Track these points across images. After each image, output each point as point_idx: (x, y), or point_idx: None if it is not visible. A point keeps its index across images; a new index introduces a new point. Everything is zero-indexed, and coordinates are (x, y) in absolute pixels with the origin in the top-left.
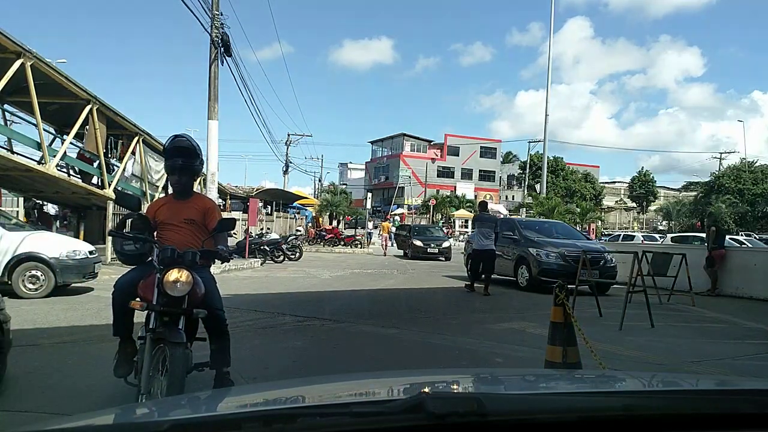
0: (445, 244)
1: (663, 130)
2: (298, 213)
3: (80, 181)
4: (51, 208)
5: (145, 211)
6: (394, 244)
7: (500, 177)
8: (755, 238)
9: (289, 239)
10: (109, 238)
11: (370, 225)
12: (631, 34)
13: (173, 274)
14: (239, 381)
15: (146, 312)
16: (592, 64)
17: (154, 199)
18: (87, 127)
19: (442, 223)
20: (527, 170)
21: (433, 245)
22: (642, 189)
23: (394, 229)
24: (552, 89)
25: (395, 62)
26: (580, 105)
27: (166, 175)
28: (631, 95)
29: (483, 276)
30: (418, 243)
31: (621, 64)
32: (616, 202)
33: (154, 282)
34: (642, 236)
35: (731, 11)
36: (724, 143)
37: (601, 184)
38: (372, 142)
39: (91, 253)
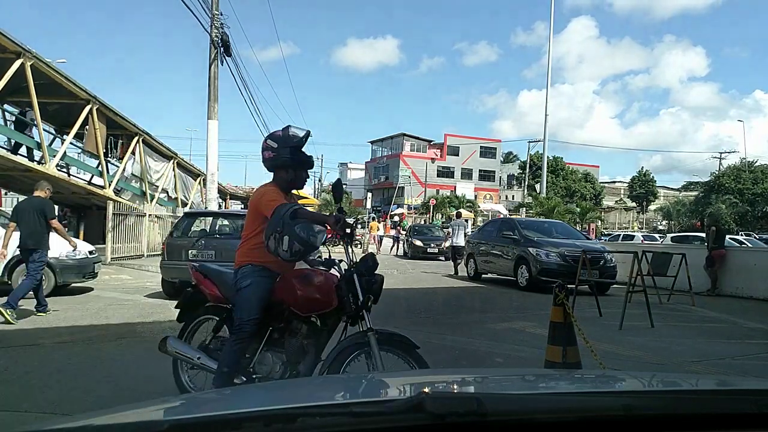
0: (446, 244)
1: (666, 129)
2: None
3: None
4: None
5: (278, 192)
6: (399, 245)
7: (500, 177)
8: (755, 238)
9: None
10: (109, 238)
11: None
12: (636, 34)
13: (382, 284)
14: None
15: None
16: (596, 63)
17: (270, 186)
18: (87, 127)
19: (442, 222)
20: (527, 170)
21: (433, 245)
22: (642, 189)
23: (381, 231)
24: (555, 89)
25: (400, 62)
26: (584, 105)
27: (165, 175)
28: (635, 95)
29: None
30: (418, 243)
31: (625, 64)
32: (616, 201)
33: (354, 281)
34: (642, 236)
35: (736, 11)
36: (726, 143)
37: (601, 184)
38: (372, 142)
39: (91, 253)
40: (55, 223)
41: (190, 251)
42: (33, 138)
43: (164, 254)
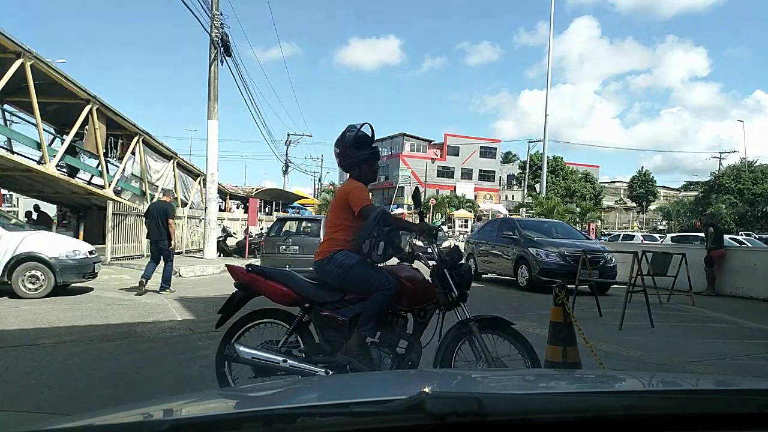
0: (446, 244)
1: (667, 129)
2: (298, 213)
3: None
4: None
5: (366, 191)
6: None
7: (500, 177)
8: (755, 238)
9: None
10: (109, 238)
11: None
12: (638, 34)
13: (471, 271)
14: None
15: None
16: (598, 63)
17: (355, 183)
18: (87, 127)
19: (442, 222)
20: (527, 170)
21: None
22: (642, 189)
23: None
24: (557, 89)
25: (401, 62)
26: (585, 105)
27: (165, 175)
28: (636, 95)
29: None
30: (419, 243)
31: (626, 64)
32: (616, 201)
33: (446, 276)
34: (642, 236)
35: (738, 11)
36: (727, 143)
37: (601, 184)
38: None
39: (90, 253)
40: (171, 222)
41: (280, 246)
42: (87, 164)
43: (263, 249)
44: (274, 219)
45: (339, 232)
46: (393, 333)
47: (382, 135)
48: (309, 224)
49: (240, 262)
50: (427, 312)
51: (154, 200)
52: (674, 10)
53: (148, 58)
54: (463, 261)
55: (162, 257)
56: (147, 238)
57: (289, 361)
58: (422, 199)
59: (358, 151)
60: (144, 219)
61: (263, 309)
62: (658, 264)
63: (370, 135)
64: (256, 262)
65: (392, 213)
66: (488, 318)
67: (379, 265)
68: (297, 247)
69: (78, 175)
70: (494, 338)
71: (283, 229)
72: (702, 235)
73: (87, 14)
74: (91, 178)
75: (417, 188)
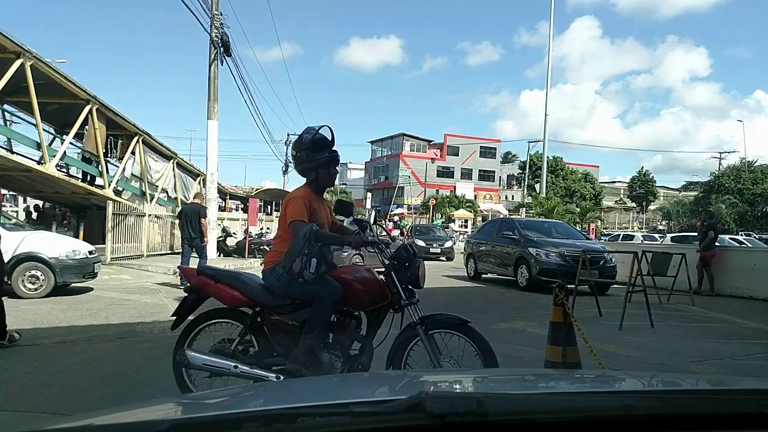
0: (448, 244)
1: (667, 129)
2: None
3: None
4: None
5: (305, 204)
6: None
7: (500, 177)
8: (755, 238)
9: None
10: (109, 238)
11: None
12: (639, 34)
13: (423, 268)
14: None
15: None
16: (599, 63)
17: (301, 192)
18: (87, 127)
19: (442, 222)
20: (527, 170)
21: (435, 245)
22: (642, 189)
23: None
24: (557, 89)
25: (402, 62)
26: (585, 105)
27: (165, 175)
28: (637, 95)
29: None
30: (421, 243)
31: (627, 64)
32: (616, 202)
33: (394, 281)
34: (642, 236)
35: (739, 11)
36: (728, 143)
37: (601, 184)
38: (372, 142)
39: (90, 253)
40: (203, 221)
41: None
42: (96, 168)
43: None
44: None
45: (282, 243)
46: (346, 335)
47: (382, 135)
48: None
49: (240, 262)
50: (380, 313)
51: (188, 203)
52: (675, 10)
53: (148, 58)
54: (414, 259)
55: (197, 253)
56: (181, 236)
57: (240, 366)
58: (352, 208)
59: (316, 155)
60: (177, 220)
61: (217, 309)
62: (658, 264)
63: (329, 138)
64: (257, 262)
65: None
66: (441, 317)
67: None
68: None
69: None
70: (447, 337)
71: None
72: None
73: (87, 14)
74: (94, 179)
75: (339, 200)
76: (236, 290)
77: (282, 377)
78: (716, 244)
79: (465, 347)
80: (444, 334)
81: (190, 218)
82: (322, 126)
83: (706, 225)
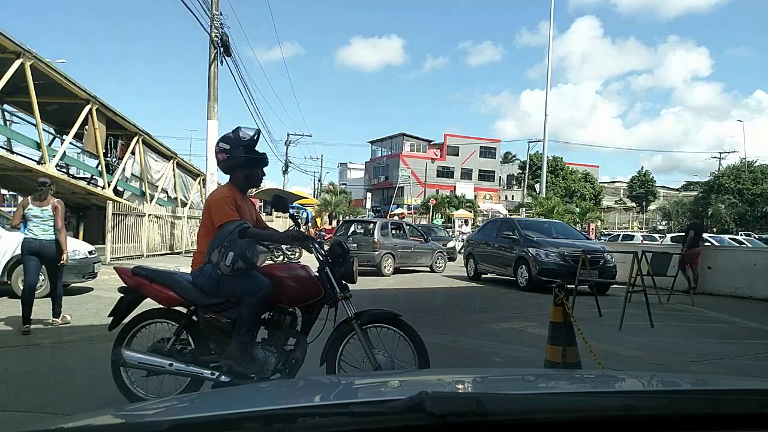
0: (449, 245)
1: (668, 129)
2: (298, 213)
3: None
4: None
5: (230, 204)
6: None
7: (500, 177)
8: (755, 238)
9: None
10: (109, 238)
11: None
12: (640, 34)
13: (356, 264)
14: None
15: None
16: (599, 63)
17: (224, 192)
18: (87, 127)
19: (442, 222)
20: (527, 170)
21: None
22: (642, 189)
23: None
24: (558, 89)
25: (404, 62)
26: (586, 105)
27: (165, 175)
28: (638, 95)
29: None
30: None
31: (628, 64)
32: (616, 202)
33: (328, 276)
34: (641, 236)
35: (740, 11)
36: (728, 143)
37: (601, 184)
38: (372, 142)
39: (90, 253)
40: None
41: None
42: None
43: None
44: (341, 221)
45: (206, 243)
46: (281, 331)
47: (382, 135)
48: (370, 226)
49: None
50: (314, 308)
51: None
52: (677, 10)
53: (148, 58)
54: (348, 255)
55: None
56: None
57: (175, 364)
58: (288, 203)
59: (251, 154)
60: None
61: (153, 309)
62: (657, 264)
63: (256, 141)
64: None
65: (392, 213)
66: (374, 312)
67: (259, 264)
68: (356, 245)
69: (77, 175)
70: (384, 331)
71: (350, 230)
72: (705, 235)
73: (87, 14)
74: (90, 178)
75: (275, 195)
76: (171, 290)
77: (217, 374)
78: (707, 243)
79: (399, 341)
80: (379, 328)
81: None
82: (257, 129)
83: (689, 225)
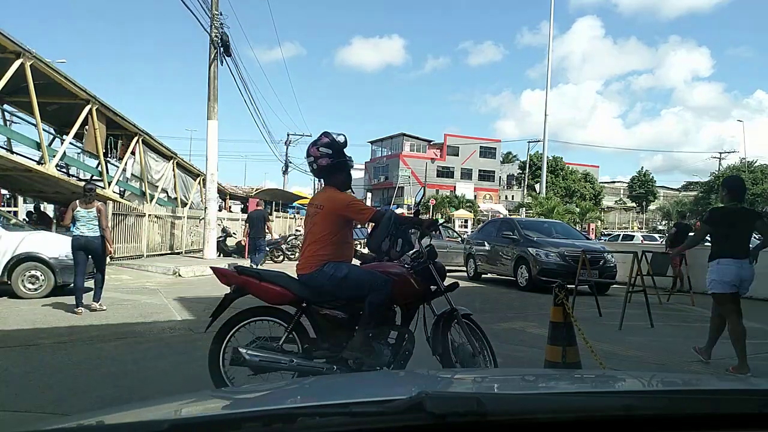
0: (425, 242)
1: (668, 129)
2: (298, 213)
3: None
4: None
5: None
6: None
7: (500, 177)
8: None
9: (288, 239)
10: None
11: None
12: (641, 34)
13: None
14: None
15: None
16: (601, 63)
17: (339, 193)
18: (87, 127)
19: (443, 222)
20: (527, 170)
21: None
22: (642, 189)
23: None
24: (558, 89)
25: (405, 62)
26: (587, 105)
27: (165, 175)
28: (638, 95)
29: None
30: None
31: (629, 64)
32: (616, 202)
33: (431, 273)
34: (641, 236)
35: (741, 11)
36: (729, 143)
37: (601, 184)
38: (372, 142)
39: None
40: (269, 224)
41: None
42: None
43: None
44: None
45: (325, 246)
46: (385, 326)
47: (382, 135)
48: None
49: (239, 262)
50: (413, 305)
51: (252, 210)
52: (678, 10)
53: (148, 58)
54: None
55: (257, 250)
56: (249, 236)
57: (295, 360)
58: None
59: (347, 157)
60: (245, 222)
61: (254, 308)
62: (657, 264)
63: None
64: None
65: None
66: (464, 312)
67: (360, 264)
68: None
69: (77, 176)
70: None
71: None
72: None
73: (87, 14)
74: (90, 178)
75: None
76: (283, 288)
77: (336, 368)
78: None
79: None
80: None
81: (255, 222)
82: (339, 134)
83: (674, 224)
